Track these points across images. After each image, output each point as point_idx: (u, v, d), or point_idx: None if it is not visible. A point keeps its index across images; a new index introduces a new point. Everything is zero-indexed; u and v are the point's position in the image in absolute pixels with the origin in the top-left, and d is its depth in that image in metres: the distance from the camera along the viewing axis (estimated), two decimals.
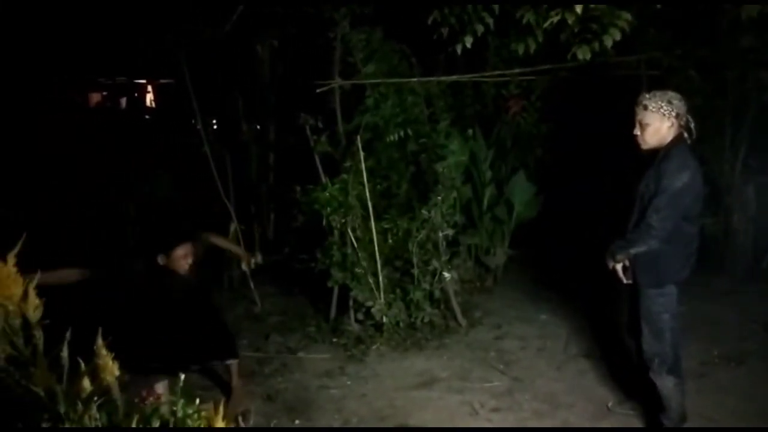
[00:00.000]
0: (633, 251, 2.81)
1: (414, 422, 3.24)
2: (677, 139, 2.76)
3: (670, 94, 2.76)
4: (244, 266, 4.18)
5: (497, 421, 3.24)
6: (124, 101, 11.71)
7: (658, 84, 3.25)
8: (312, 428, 3.10)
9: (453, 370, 3.84)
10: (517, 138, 5.29)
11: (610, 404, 3.32)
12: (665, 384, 2.85)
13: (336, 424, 3.24)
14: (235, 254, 4.17)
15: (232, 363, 3.39)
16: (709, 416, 3.14)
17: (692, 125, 2.78)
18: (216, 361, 3.44)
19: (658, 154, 2.81)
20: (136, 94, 11.66)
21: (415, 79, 4.31)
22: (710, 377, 3.58)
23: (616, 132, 2.99)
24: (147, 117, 10.76)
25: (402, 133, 4.24)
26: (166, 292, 3.26)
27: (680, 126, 2.76)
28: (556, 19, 2.90)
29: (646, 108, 2.75)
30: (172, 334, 3.18)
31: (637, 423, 3.14)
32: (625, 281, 2.93)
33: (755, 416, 3.14)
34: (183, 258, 3.25)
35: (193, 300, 3.35)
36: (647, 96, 2.77)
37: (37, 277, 1.37)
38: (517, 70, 4.62)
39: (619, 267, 2.92)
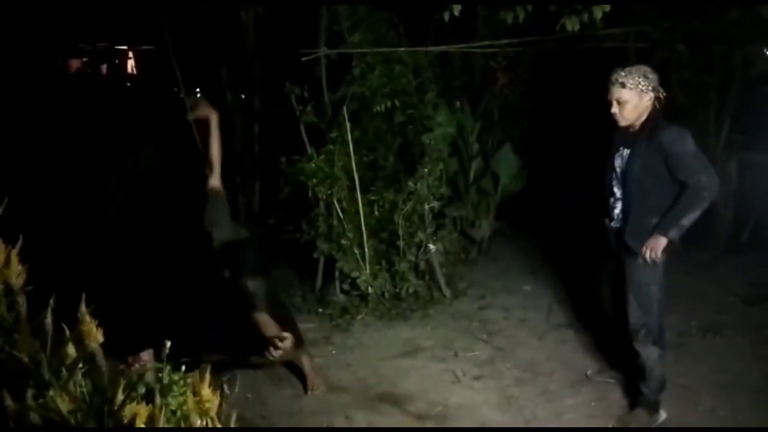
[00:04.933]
0: (687, 223, 2.70)
1: (398, 390, 3.29)
2: (656, 111, 2.78)
3: (644, 68, 2.77)
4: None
5: (479, 389, 3.31)
6: (104, 68, 11.43)
7: (646, 57, 3.25)
8: (312, 428, 3.11)
9: (437, 339, 3.89)
10: (505, 111, 5.27)
11: (589, 372, 3.40)
12: (650, 355, 2.90)
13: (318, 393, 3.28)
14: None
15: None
16: (684, 385, 3.22)
17: (662, 95, 2.80)
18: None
19: (630, 130, 2.81)
20: (116, 61, 11.38)
21: (402, 49, 4.25)
22: (687, 347, 3.67)
23: (601, 106, 2.99)
24: (128, 84, 10.54)
25: (389, 104, 4.19)
26: None
27: (656, 98, 2.77)
28: None
29: (624, 86, 2.73)
30: None
31: (615, 390, 3.22)
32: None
33: (729, 385, 3.23)
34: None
35: None
36: (623, 74, 2.74)
37: None
38: (505, 41, 4.58)
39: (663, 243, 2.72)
